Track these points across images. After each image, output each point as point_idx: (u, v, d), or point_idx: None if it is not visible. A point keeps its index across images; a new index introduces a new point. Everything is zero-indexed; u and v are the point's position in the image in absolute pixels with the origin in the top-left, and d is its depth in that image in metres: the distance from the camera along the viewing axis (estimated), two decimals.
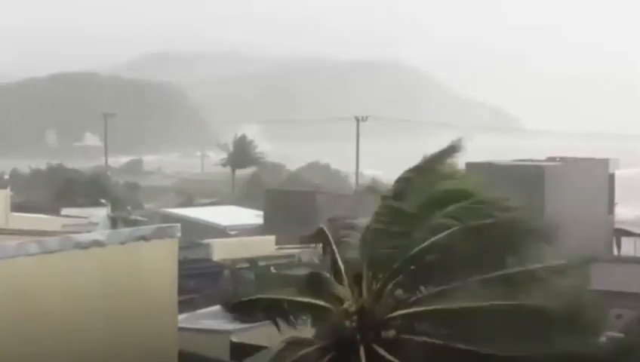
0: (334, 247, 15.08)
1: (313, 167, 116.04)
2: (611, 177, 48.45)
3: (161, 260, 16.80)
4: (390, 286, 14.08)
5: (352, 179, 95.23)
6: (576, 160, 48.97)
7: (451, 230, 13.91)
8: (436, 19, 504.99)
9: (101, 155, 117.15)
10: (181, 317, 20.15)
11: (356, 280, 14.24)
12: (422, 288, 14.22)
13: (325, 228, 15.88)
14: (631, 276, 34.36)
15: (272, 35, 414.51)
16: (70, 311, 15.10)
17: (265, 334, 22.49)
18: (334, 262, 14.90)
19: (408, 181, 14.83)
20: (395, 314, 13.88)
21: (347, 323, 13.95)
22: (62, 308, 14.99)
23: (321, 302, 14.22)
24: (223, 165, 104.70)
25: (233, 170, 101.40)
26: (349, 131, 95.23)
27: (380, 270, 14.13)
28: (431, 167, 14.92)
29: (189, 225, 46.53)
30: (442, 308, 13.65)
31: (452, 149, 14.97)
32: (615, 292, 25.53)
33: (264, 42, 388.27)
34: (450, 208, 14.12)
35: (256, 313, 15.40)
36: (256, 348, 20.15)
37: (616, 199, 49.62)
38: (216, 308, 27.03)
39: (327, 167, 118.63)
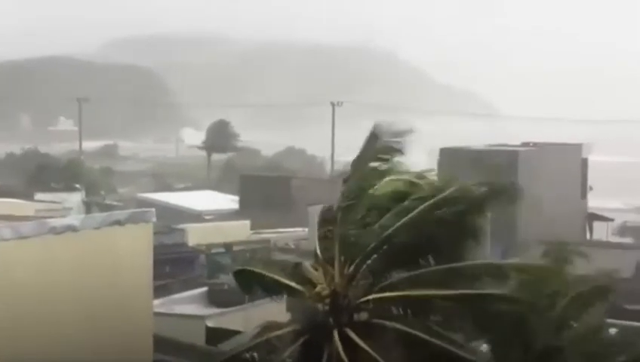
0: (315, 231, 15.17)
1: (289, 152, 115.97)
2: (584, 162, 48.88)
3: (136, 245, 16.78)
4: (362, 269, 14.21)
5: (328, 165, 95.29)
6: (549, 145, 49.36)
7: (417, 212, 14.26)
8: (411, 4, 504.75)
9: (75, 140, 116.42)
10: (156, 301, 20.17)
11: (330, 262, 14.36)
12: (393, 273, 14.42)
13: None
14: (603, 261, 34.68)
15: (246, 20, 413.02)
16: (45, 295, 15.08)
17: (240, 319, 22.61)
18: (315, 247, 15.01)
19: (374, 169, 15.20)
20: (367, 297, 14.02)
21: (320, 306, 14.06)
22: (36, 292, 14.96)
23: (294, 284, 14.34)
24: (200, 148, 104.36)
25: (209, 155, 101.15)
26: (324, 116, 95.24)
27: (351, 253, 14.28)
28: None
29: (165, 210, 46.42)
30: (411, 294, 13.87)
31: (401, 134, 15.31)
32: (586, 276, 25.75)
33: (238, 26, 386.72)
34: (415, 195, 14.53)
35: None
36: (231, 333, 20.22)
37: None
38: (192, 292, 27.14)
39: (302, 152, 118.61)
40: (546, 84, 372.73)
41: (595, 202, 52.00)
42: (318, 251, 14.66)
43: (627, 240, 52.55)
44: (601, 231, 50.81)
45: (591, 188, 50.09)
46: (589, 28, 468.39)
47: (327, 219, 15.10)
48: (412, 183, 15.02)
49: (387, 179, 15.07)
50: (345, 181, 15.32)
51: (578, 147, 49.22)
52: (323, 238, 14.79)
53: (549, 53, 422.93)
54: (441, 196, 14.38)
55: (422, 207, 14.24)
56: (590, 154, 49.79)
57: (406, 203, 14.44)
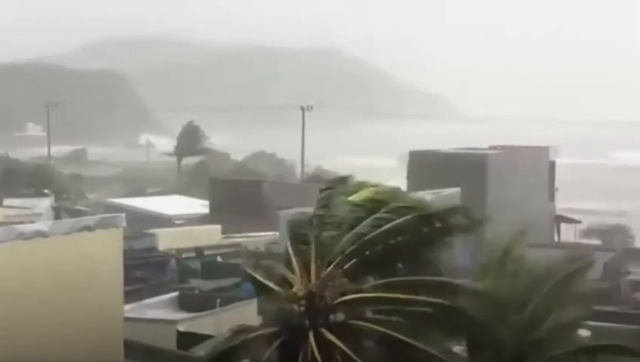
0: (286, 235, 15.41)
1: (259, 156, 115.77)
2: (552, 164, 49.33)
3: (105, 250, 16.74)
4: (338, 272, 14.41)
5: (298, 168, 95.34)
6: (517, 148, 49.77)
7: (394, 223, 14.69)
8: (378, 9, 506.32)
9: (44, 145, 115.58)
10: (127, 307, 20.13)
11: (305, 265, 14.54)
12: (368, 276, 14.71)
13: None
14: None
15: (215, 23, 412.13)
16: (13, 301, 15.00)
17: (211, 323, 22.62)
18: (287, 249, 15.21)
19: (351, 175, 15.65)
20: (343, 299, 14.20)
21: (295, 307, 14.19)
22: (5, 299, 14.89)
23: (271, 284, 14.49)
24: (170, 154, 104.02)
25: (179, 159, 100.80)
26: (294, 120, 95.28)
27: (327, 256, 14.50)
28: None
29: (135, 214, 46.24)
30: (387, 296, 14.11)
31: None
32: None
33: (207, 30, 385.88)
34: (391, 203, 14.96)
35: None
36: (202, 337, 20.22)
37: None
38: (163, 297, 27.09)
39: (273, 156, 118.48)
40: (518, 86, 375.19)
41: (563, 204, 52.49)
42: (292, 253, 14.83)
43: (594, 241, 53.01)
44: (568, 233, 51.29)
45: (557, 190, 50.59)
46: (563, 28, 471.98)
47: (301, 223, 15.40)
48: (386, 194, 15.50)
49: (365, 190, 15.57)
50: (323, 190, 15.77)
51: (545, 150, 49.69)
52: (297, 241, 15.03)
53: (518, 54, 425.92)
54: (414, 215, 14.78)
55: (399, 220, 14.72)
56: (557, 156, 50.28)
57: (383, 213, 14.92)
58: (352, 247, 14.61)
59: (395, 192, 15.92)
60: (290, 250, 15.02)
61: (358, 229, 14.78)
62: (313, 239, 14.65)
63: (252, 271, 15.06)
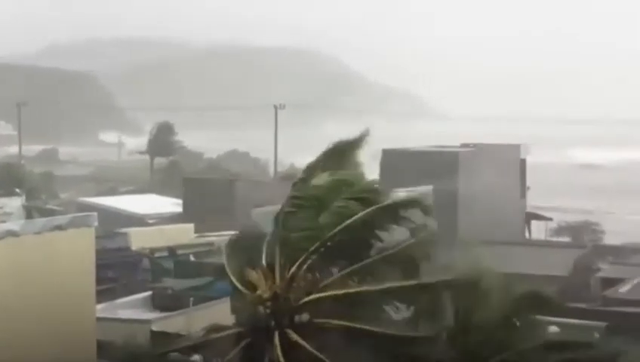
0: (249, 233, 15.41)
1: (232, 155, 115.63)
2: (523, 162, 49.65)
3: (77, 250, 16.73)
4: (302, 270, 14.45)
5: (272, 167, 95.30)
6: (488, 146, 50.04)
7: (356, 217, 14.68)
8: (352, 7, 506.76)
9: (15, 144, 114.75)
10: (100, 306, 20.08)
11: (269, 266, 14.57)
12: (332, 270, 14.75)
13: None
14: (542, 259, 35.35)
15: (192, 22, 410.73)
16: None
17: (184, 322, 22.60)
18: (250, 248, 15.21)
19: (313, 169, 15.58)
20: (307, 299, 14.25)
21: (261, 309, 14.23)
22: None
23: (239, 286, 14.52)
24: (142, 153, 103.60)
25: (152, 158, 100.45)
26: (267, 119, 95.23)
27: (291, 256, 14.52)
28: (336, 155, 15.67)
29: (107, 214, 46.05)
30: (350, 291, 14.18)
31: (358, 140, 15.80)
32: (526, 274, 26.27)
33: (183, 29, 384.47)
34: (349, 196, 14.88)
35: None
36: (175, 336, 20.20)
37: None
38: (136, 297, 27.03)
39: (246, 154, 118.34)
40: (488, 84, 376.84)
41: (534, 201, 52.85)
42: (263, 255, 14.87)
43: (565, 239, 53.41)
44: (539, 231, 51.65)
45: (528, 188, 50.91)
46: (531, 27, 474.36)
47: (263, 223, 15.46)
48: (348, 181, 15.43)
49: (327, 176, 15.48)
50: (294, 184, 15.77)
51: (516, 147, 49.99)
52: (263, 241, 15.06)
53: (489, 53, 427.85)
54: (378, 206, 14.77)
55: (361, 214, 14.69)
56: (528, 154, 50.60)
57: (341, 203, 14.88)
58: (316, 244, 14.59)
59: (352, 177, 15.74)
60: (262, 249, 15.05)
61: (320, 221, 14.75)
62: (277, 239, 14.68)
63: (228, 270, 15.08)
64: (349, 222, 14.69)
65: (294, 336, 13.94)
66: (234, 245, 15.61)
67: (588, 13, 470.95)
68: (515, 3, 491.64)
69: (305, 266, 14.47)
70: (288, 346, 13.87)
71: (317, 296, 14.23)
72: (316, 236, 14.65)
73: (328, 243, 14.60)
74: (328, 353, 13.80)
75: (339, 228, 14.68)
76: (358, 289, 14.33)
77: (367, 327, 13.89)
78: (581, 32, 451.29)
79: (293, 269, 14.41)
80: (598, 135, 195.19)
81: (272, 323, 14.12)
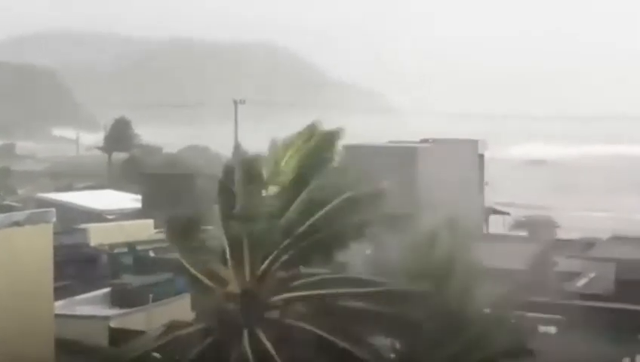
0: (219, 231, 15.20)
1: (192, 149, 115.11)
2: (481, 158, 50.11)
3: (35, 246, 16.59)
4: (274, 268, 14.32)
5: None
6: (447, 141, 50.42)
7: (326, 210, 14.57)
8: (315, 3, 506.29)
9: None
10: (58, 303, 19.94)
11: (240, 262, 14.40)
12: (304, 269, 14.66)
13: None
14: (500, 254, 35.63)
15: (153, 17, 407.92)
16: None
17: (144, 319, 22.51)
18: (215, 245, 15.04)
19: (277, 163, 15.42)
20: (277, 297, 14.14)
21: (230, 305, 14.11)
22: None
23: (205, 280, 14.38)
24: (100, 149, 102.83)
25: (109, 154, 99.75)
26: (227, 114, 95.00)
27: (260, 251, 14.38)
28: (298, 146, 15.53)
29: (65, 210, 45.68)
30: (321, 293, 14.09)
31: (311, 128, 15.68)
32: (486, 268, 26.49)
33: (138, 22, 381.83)
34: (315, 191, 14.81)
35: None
36: (134, 333, 20.10)
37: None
38: (95, 293, 26.86)
39: (206, 149, 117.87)
40: (452, 81, 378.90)
41: (492, 197, 53.31)
42: (226, 249, 14.72)
43: (523, 233, 53.88)
44: (497, 225, 52.12)
45: (486, 184, 51.34)
46: (489, 23, 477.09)
47: (230, 215, 15.20)
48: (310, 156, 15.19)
49: (288, 154, 15.28)
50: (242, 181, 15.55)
51: (474, 143, 50.40)
52: (230, 236, 14.87)
53: (454, 49, 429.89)
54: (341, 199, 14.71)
55: (326, 208, 14.60)
56: (486, 149, 51.06)
57: (308, 195, 14.73)
58: (287, 240, 14.46)
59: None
60: (225, 245, 14.90)
61: (288, 218, 14.59)
62: (245, 234, 14.47)
63: (188, 265, 14.92)
64: (318, 217, 14.56)
65: (262, 334, 13.83)
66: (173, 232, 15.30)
67: (569, 10, 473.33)
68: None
69: (277, 263, 14.32)
70: (256, 345, 13.76)
71: (288, 295, 14.09)
72: (285, 231, 14.48)
73: (298, 240, 14.45)
74: (297, 353, 13.74)
75: (307, 224, 14.53)
76: (329, 291, 14.20)
77: (332, 338, 13.82)
78: (552, 29, 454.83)
79: (264, 265, 14.26)
80: (554, 131, 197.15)
81: (241, 320, 13.98)
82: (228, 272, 14.50)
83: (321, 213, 14.60)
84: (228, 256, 14.64)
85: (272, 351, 13.60)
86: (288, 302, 14.16)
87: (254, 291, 14.16)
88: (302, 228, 14.56)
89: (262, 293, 14.19)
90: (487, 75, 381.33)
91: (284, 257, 14.39)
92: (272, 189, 15.07)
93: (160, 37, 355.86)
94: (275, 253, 14.35)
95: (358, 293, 14.19)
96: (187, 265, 14.93)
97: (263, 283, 14.25)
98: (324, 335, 13.82)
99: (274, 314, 14.20)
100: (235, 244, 14.64)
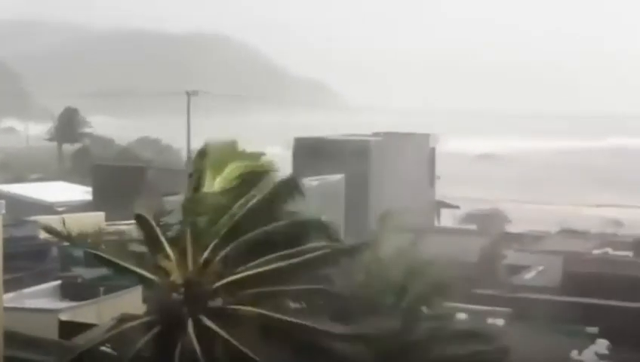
0: (152, 223, 15.25)
1: (143, 141, 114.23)
2: (432, 151, 50.56)
3: None
4: (217, 258, 14.50)
5: (184, 154, 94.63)
6: (399, 134, 50.81)
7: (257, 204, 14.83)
8: None
9: None
10: (7, 296, 19.79)
11: (182, 252, 14.56)
12: (246, 259, 14.82)
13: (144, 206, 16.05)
14: (450, 247, 36.03)
15: (99, 6, 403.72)
16: None
17: (94, 312, 22.42)
18: (155, 237, 15.09)
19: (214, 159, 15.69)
20: (220, 283, 14.32)
21: (174, 295, 14.23)
22: None
23: (147, 274, 14.46)
24: (49, 140, 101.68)
25: (60, 145, 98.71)
26: (179, 106, 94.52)
27: (203, 241, 14.55)
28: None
29: (14, 201, 45.10)
30: (257, 272, 14.31)
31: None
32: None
33: (93, 11, 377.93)
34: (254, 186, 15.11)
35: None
36: (85, 326, 20.05)
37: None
38: (44, 286, 26.67)
39: (158, 141, 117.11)
40: (403, 76, 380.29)
41: (443, 190, 53.81)
42: (164, 241, 14.80)
43: (472, 226, 54.50)
44: (448, 218, 52.65)
45: (438, 178, 51.80)
46: (448, 12, 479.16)
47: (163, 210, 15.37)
48: (254, 171, 15.61)
49: (232, 165, 15.59)
50: (191, 175, 15.76)
51: (426, 137, 50.83)
52: (169, 228, 14.99)
53: (405, 43, 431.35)
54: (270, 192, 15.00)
55: (258, 199, 14.85)
56: (437, 143, 51.50)
57: (251, 192, 15.03)
58: (228, 229, 14.66)
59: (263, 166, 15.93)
60: (161, 238, 14.98)
61: (232, 212, 14.84)
62: (187, 225, 14.66)
63: (121, 259, 14.91)
64: (256, 210, 14.81)
65: (208, 323, 13.99)
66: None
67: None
68: None
69: (220, 253, 14.53)
70: (202, 332, 13.91)
71: (230, 280, 14.31)
72: (225, 222, 14.71)
73: (238, 229, 14.69)
74: (242, 339, 13.89)
75: (244, 212, 14.74)
76: (273, 288, 14.38)
77: (278, 316, 14.03)
78: (511, 21, 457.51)
79: (206, 255, 14.45)
80: (510, 126, 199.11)
81: (185, 309, 14.14)
82: (171, 263, 14.64)
83: (254, 209, 14.94)
84: (167, 248, 14.78)
85: (222, 336, 13.74)
86: (232, 288, 14.36)
87: (197, 280, 14.34)
88: (239, 218, 14.77)
89: (205, 282, 14.37)
90: (445, 68, 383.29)
91: (226, 248, 14.63)
92: (220, 185, 15.39)
93: (113, 27, 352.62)
94: (216, 242, 14.58)
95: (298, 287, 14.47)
96: (121, 261, 14.93)
97: (206, 272, 14.44)
98: (270, 316, 14.02)
99: (218, 302, 14.41)
100: (178, 235, 14.83)
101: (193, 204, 14.97)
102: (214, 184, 15.46)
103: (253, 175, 15.66)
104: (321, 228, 15.83)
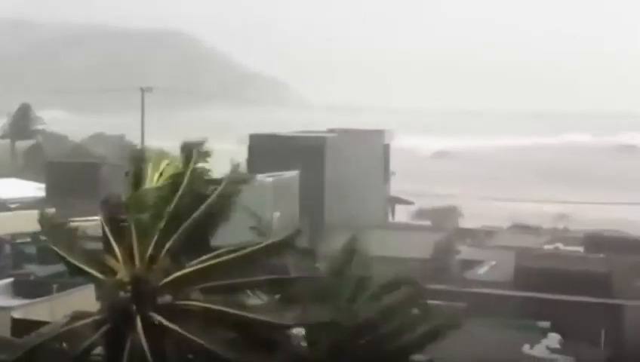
0: (102, 221, 15.22)
1: (98, 137, 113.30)
2: (386, 148, 50.81)
3: None
4: (163, 253, 14.49)
5: None
6: (354, 131, 51.00)
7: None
8: None
9: None
10: None
11: (128, 250, 14.54)
12: (191, 254, 14.85)
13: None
14: (404, 242, 36.30)
15: (53, 3, 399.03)
16: None
17: (47, 309, 22.30)
18: (103, 235, 15.07)
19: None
20: (168, 279, 14.33)
21: (123, 293, 14.22)
22: None
23: (94, 272, 14.42)
24: (2, 137, 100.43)
25: (12, 142, 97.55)
26: (133, 102, 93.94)
27: (147, 238, 14.52)
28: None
29: None
30: (204, 267, 14.34)
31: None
32: (390, 257, 26.98)
33: (51, 8, 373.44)
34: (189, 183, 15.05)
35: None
36: (38, 324, 19.93)
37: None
38: None
39: (112, 138, 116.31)
40: (357, 73, 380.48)
41: (397, 185, 54.13)
42: (111, 238, 14.76)
43: (426, 222, 54.87)
44: (402, 214, 52.98)
45: (393, 174, 52.10)
46: (408, 10, 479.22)
47: (115, 207, 15.31)
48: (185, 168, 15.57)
49: (164, 164, 15.57)
50: (127, 173, 15.75)
51: (380, 133, 51.06)
52: (115, 225, 14.95)
53: (358, 40, 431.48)
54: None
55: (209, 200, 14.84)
56: (392, 140, 51.78)
57: (188, 190, 15.00)
58: (170, 225, 14.65)
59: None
60: (109, 234, 14.94)
61: (171, 208, 14.84)
62: (132, 222, 14.63)
63: (69, 256, 14.86)
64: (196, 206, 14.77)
65: (157, 318, 13.99)
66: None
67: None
68: None
69: (165, 249, 14.51)
70: (150, 329, 13.92)
71: (177, 275, 14.32)
72: (167, 217, 14.69)
73: (179, 224, 14.66)
74: (190, 333, 13.92)
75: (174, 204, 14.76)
76: (219, 283, 14.41)
77: (227, 309, 14.07)
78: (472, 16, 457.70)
79: (150, 251, 14.43)
80: (452, 124, 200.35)
81: (134, 307, 14.13)
82: (117, 261, 14.63)
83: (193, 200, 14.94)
84: (114, 245, 14.76)
85: (172, 333, 13.77)
86: (180, 283, 14.39)
87: (144, 277, 14.34)
88: (177, 213, 14.80)
89: (152, 279, 14.38)
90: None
91: (170, 243, 14.63)
92: (159, 181, 15.41)
93: (67, 23, 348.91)
94: (157, 237, 14.57)
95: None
96: (71, 258, 14.88)
97: (153, 268, 14.44)
98: (219, 310, 14.08)
99: (167, 297, 14.44)
100: (124, 232, 14.80)
101: (136, 200, 14.88)
102: (154, 180, 15.42)
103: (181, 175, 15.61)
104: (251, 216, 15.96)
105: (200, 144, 15.61)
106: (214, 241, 15.08)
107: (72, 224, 15.96)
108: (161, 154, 15.88)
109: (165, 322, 13.95)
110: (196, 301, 14.30)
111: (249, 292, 14.56)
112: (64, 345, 14.54)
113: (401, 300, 17.64)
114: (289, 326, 14.43)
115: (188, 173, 15.19)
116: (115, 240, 14.75)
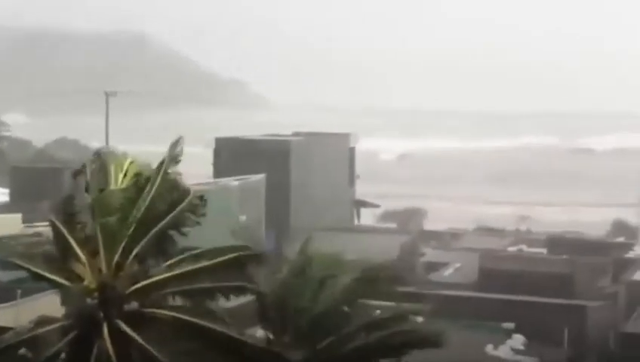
0: (59, 225, 14.89)
1: (61, 142, 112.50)
2: (352, 151, 51.01)
3: None
4: (129, 259, 14.35)
5: None
6: (319, 134, 51.15)
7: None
8: None
9: None
10: None
11: (94, 256, 14.35)
12: (159, 259, 14.73)
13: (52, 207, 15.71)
14: (370, 245, 36.46)
15: (15, 5, 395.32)
16: None
17: (12, 315, 22.12)
18: (63, 240, 14.77)
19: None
20: (135, 286, 14.19)
21: (89, 300, 14.06)
22: None
23: (60, 279, 14.23)
24: None
25: None
26: (97, 106, 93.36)
27: (114, 243, 14.33)
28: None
29: None
30: (172, 275, 14.25)
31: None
32: (355, 260, 27.06)
33: (7, 12, 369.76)
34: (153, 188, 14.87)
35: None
36: (1, 330, 19.78)
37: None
38: None
39: (76, 142, 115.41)
40: (323, 73, 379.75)
41: (362, 188, 54.28)
42: (73, 243, 14.54)
43: (391, 225, 55.13)
44: (367, 217, 53.16)
45: (358, 177, 52.29)
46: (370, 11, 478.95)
47: (71, 211, 15.05)
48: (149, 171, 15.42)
49: (128, 163, 15.39)
50: (76, 174, 15.52)
51: (346, 137, 51.25)
52: (73, 229, 14.71)
53: (326, 41, 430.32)
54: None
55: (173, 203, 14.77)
56: (357, 143, 51.97)
57: (152, 191, 14.82)
58: (136, 230, 14.45)
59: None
60: (70, 239, 14.71)
61: (140, 213, 14.60)
62: (98, 227, 14.39)
63: (35, 263, 14.67)
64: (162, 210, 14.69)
65: (123, 326, 13.86)
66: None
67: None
68: None
69: (132, 255, 14.35)
70: (117, 336, 13.80)
71: (145, 283, 14.18)
72: (136, 223, 14.46)
73: (148, 230, 14.50)
74: (157, 341, 13.83)
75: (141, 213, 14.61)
76: (189, 287, 14.34)
77: (194, 320, 13.98)
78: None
79: (117, 257, 14.23)
80: (413, 125, 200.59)
81: (101, 314, 13.98)
82: (83, 267, 14.43)
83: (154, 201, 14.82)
84: (79, 252, 14.52)
85: (138, 340, 13.68)
86: (147, 290, 14.24)
87: (111, 284, 14.15)
88: (141, 217, 14.62)
89: (119, 286, 14.20)
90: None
91: (137, 249, 14.43)
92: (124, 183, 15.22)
93: (26, 26, 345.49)
94: (125, 243, 14.35)
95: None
96: (33, 266, 14.69)
97: (120, 275, 14.26)
98: (185, 319, 13.97)
99: (134, 304, 14.28)
100: (85, 236, 14.56)
101: (101, 202, 14.57)
102: (118, 181, 15.20)
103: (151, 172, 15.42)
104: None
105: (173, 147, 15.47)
106: (184, 242, 14.93)
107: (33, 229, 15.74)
108: (124, 155, 15.72)
109: (129, 331, 13.79)
110: (162, 309, 14.18)
111: (218, 297, 14.50)
112: (28, 351, 14.41)
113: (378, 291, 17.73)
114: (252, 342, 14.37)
115: (159, 177, 14.92)
116: (78, 245, 14.48)
